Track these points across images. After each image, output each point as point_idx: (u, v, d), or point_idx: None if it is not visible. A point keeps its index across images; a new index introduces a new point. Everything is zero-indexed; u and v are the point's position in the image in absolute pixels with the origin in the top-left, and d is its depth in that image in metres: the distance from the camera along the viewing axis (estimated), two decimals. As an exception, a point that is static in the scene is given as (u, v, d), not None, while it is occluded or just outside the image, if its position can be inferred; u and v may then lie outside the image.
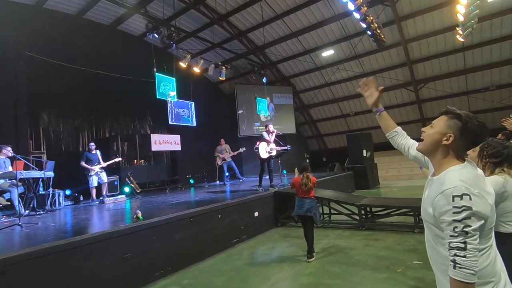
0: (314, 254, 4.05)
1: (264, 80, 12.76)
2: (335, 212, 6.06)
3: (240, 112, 13.26)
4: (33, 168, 5.93)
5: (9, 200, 5.45)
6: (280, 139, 7.49)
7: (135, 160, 10.19)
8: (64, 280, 2.91)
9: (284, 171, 10.79)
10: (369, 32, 8.33)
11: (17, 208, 5.24)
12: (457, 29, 8.21)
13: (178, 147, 10.32)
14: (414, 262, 3.65)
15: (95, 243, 3.25)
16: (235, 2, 10.04)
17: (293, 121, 14.31)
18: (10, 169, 5.68)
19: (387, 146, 13.93)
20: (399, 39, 10.61)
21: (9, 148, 5.65)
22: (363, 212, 5.64)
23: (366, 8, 7.56)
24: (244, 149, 9.74)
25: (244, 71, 13.87)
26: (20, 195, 5.53)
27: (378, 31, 8.33)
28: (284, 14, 10.45)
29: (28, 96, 8.14)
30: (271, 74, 13.68)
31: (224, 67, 11.16)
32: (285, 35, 11.59)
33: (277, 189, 6.71)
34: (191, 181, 10.94)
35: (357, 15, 7.71)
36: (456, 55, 10.75)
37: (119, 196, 7.56)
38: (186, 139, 10.92)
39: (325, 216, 6.33)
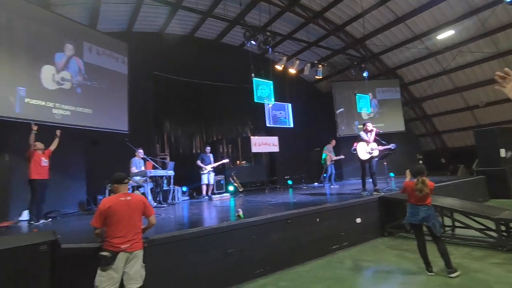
0: (453, 268, 3.45)
1: (365, 74, 11.73)
2: (461, 225, 4.96)
3: (338, 111, 12.62)
4: (158, 168, 7.09)
5: (143, 193, 6.65)
6: (384, 138, 6.71)
7: (238, 161, 10.98)
8: (175, 267, 3.30)
9: (391, 174, 9.65)
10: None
11: (149, 200, 6.34)
12: None
13: (276, 148, 10.59)
14: None
15: (202, 237, 3.58)
16: (330, -4, 9.61)
17: (401, 117, 12.67)
18: (143, 168, 6.95)
19: (537, 143, 10.71)
20: (556, 1, 7.98)
21: (141, 151, 6.92)
22: (503, 228, 4.42)
23: (501, -30, 5.97)
24: (343, 157, 9.31)
25: (342, 67, 13.12)
26: (150, 190, 6.73)
27: (521, -4, 6.47)
28: (387, -1, 9.36)
29: (155, 108, 9.85)
30: (373, 67, 12.49)
31: (320, 65, 10.84)
32: (389, 21, 10.35)
33: (382, 193, 6.02)
34: (289, 181, 11.03)
35: (487, -18, 6.18)
36: None
37: (224, 194, 8.28)
38: (284, 140, 11.10)
39: (447, 229, 5.27)
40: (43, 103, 6.26)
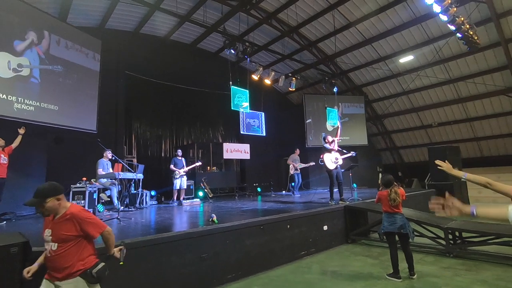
0: (413, 272, 3.87)
1: (335, 89, 12.40)
2: (416, 233, 5.45)
3: (308, 121, 13.14)
4: (128, 170, 6.87)
5: (109, 196, 6.39)
6: (349, 150, 7.23)
7: (208, 167, 10.92)
8: (152, 270, 3.28)
9: (354, 185, 10.22)
10: (459, 35, 7.44)
11: (116, 204, 6.12)
12: None
13: (247, 156, 10.72)
14: (522, 303, 3.05)
15: (178, 241, 3.58)
16: (306, 14, 10.11)
17: (364, 132, 13.51)
18: (111, 170, 6.69)
19: (479, 162, 12.13)
20: (498, 39, 9.18)
21: (109, 152, 6.66)
22: (450, 236, 4.96)
23: (455, 9, 6.78)
24: (313, 163, 9.67)
25: (313, 81, 13.77)
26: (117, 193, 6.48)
27: (471, 33, 7.37)
28: (357, 21, 10.08)
29: (125, 108, 9.55)
30: (342, 83, 13.25)
31: (294, 78, 11.26)
32: (358, 42, 11.14)
33: (348, 203, 6.41)
34: (259, 189, 11.20)
35: (444, 17, 6.96)
36: None
37: (194, 200, 8.20)
38: (255, 148, 11.28)
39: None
40: (3, 96, 5.83)
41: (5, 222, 5.13)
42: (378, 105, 13.83)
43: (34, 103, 6.34)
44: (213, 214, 4.57)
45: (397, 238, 4.01)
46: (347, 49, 11.55)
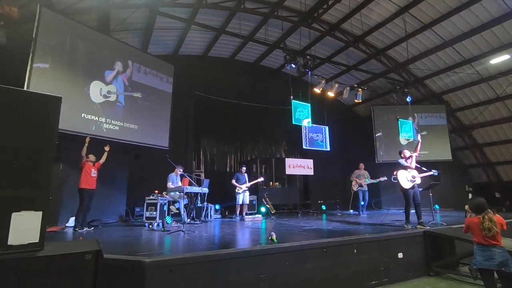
0: None
1: (409, 99, 11.24)
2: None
3: (377, 135, 12.13)
4: (194, 184, 7.24)
5: (178, 209, 6.80)
6: (429, 167, 6.29)
7: (271, 182, 10.88)
8: (210, 286, 3.26)
9: (436, 206, 8.91)
10: None
11: (183, 217, 6.47)
12: None
13: (310, 172, 10.37)
14: None
15: (236, 259, 3.51)
16: (372, 21, 9.51)
17: (447, 145, 11.81)
18: (180, 184, 7.14)
19: None
20: None
21: (181, 168, 7.14)
22: None
23: None
24: (385, 178, 8.76)
25: (382, 91, 12.76)
26: (184, 206, 6.87)
27: None
28: (433, 23, 9.04)
29: (194, 126, 10.27)
30: (417, 91, 11.96)
31: (360, 89, 10.60)
32: (435, 46, 9.94)
33: (427, 228, 5.54)
34: (323, 207, 10.64)
35: (550, 4, 5.72)
36: None
37: (256, 215, 8.17)
38: (319, 163, 10.86)
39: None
40: (96, 118, 6.82)
41: (93, 228, 5.86)
42: (464, 114, 12.01)
43: (119, 123, 7.27)
44: (272, 233, 4.42)
45: (496, 275, 3.21)
46: (422, 54, 10.41)
